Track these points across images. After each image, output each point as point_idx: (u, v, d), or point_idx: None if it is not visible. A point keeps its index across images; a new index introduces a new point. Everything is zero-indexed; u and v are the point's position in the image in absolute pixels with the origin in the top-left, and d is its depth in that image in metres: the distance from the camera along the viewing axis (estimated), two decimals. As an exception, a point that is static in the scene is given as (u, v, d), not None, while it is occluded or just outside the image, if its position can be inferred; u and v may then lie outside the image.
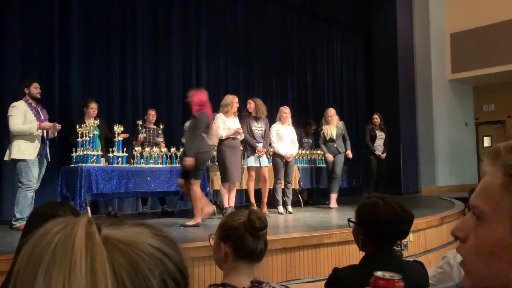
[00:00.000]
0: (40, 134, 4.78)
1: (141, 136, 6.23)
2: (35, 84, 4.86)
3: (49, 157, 4.99)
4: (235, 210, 1.74)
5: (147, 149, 5.75)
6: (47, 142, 4.93)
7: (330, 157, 6.77)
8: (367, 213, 1.71)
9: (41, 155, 4.81)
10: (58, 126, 4.94)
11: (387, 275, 0.80)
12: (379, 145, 7.86)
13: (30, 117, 4.72)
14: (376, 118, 7.92)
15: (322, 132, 6.94)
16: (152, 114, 6.56)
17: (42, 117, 4.88)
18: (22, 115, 4.67)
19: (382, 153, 7.83)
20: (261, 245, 1.55)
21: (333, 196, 6.82)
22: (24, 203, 4.62)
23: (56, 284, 0.41)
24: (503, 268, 0.58)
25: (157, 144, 6.30)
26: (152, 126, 6.54)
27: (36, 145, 4.73)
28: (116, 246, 0.45)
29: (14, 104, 4.72)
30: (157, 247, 0.47)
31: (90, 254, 0.43)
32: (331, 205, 6.75)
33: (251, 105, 6.12)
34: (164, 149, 5.91)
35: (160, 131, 6.53)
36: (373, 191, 7.18)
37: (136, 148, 5.62)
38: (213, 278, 3.03)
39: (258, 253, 1.54)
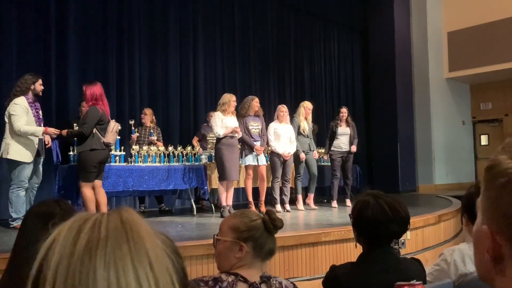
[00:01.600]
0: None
1: (134, 137, 6.18)
2: (40, 81, 4.76)
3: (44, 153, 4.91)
4: (242, 210, 1.75)
5: (145, 147, 5.74)
6: (44, 140, 4.85)
7: (303, 156, 6.44)
8: (357, 211, 1.71)
9: (37, 154, 4.73)
10: (63, 132, 4.82)
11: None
12: (342, 143, 6.86)
13: (31, 116, 4.63)
14: (344, 112, 6.90)
15: (297, 124, 6.52)
16: (146, 113, 6.51)
17: (38, 115, 4.79)
18: (25, 114, 4.56)
19: (351, 149, 6.86)
20: (275, 244, 1.60)
21: (311, 196, 6.66)
22: (17, 202, 4.57)
23: (126, 273, 0.42)
24: (481, 258, 0.62)
25: (153, 143, 6.26)
26: (148, 124, 6.50)
27: (34, 145, 4.65)
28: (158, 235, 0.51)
29: (16, 101, 4.55)
30: (165, 237, 0.51)
31: (149, 241, 0.46)
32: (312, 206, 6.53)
33: (258, 103, 6.11)
34: (162, 148, 5.91)
35: (152, 130, 6.46)
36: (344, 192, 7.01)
37: (134, 147, 5.61)
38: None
39: (273, 251, 1.59)
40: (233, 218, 1.63)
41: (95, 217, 0.46)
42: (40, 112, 4.87)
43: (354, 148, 6.89)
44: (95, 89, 4.62)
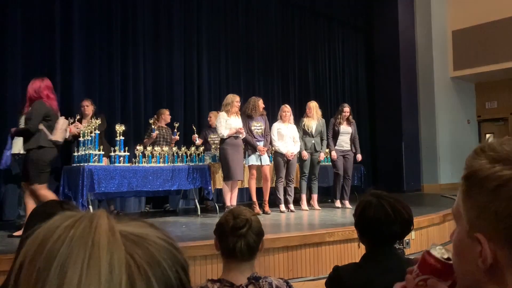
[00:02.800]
0: None
1: (155, 135, 6.19)
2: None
3: None
4: (233, 207, 1.78)
5: (157, 148, 5.75)
6: None
7: (305, 154, 6.39)
8: (359, 212, 1.70)
9: None
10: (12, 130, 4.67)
11: (445, 255, 0.69)
12: (343, 141, 6.72)
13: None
14: (347, 112, 6.72)
15: (302, 124, 6.55)
16: (167, 114, 6.55)
17: None
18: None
19: (355, 153, 6.77)
20: (240, 245, 1.55)
21: (314, 197, 6.60)
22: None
23: (71, 278, 0.41)
24: (469, 268, 0.61)
25: (169, 143, 6.31)
26: (164, 125, 6.53)
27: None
28: (132, 240, 0.45)
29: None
30: (164, 238, 0.48)
31: (110, 250, 0.42)
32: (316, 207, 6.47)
33: (262, 104, 6.11)
34: (166, 148, 5.91)
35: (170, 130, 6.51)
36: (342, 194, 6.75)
37: (138, 148, 5.62)
38: (215, 276, 3.03)
39: (237, 252, 1.55)
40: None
41: (75, 219, 0.45)
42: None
43: (359, 157, 6.82)
44: (39, 84, 4.21)
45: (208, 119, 6.98)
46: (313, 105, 6.63)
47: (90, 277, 0.41)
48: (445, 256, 0.69)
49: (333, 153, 6.65)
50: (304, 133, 6.51)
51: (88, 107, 5.79)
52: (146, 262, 0.44)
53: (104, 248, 0.42)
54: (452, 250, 0.66)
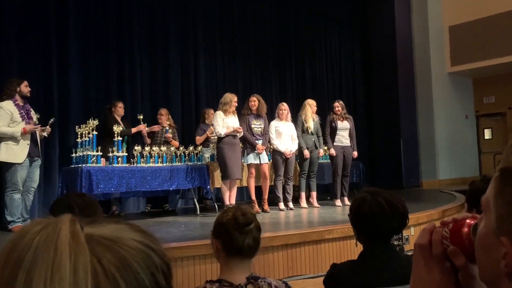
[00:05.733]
0: (29, 135, 4.70)
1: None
2: (25, 83, 4.78)
3: (40, 155, 4.92)
4: (230, 206, 1.78)
5: (155, 148, 5.74)
6: (38, 142, 4.87)
7: (307, 153, 6.39)
8: (355, 209, 1.71)
9: (31, 156, 4.74)
10: (47, 130, 4.88)
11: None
12: (343, 137, 6.66)
13: (17, 118, 4.64)
14: (338, 107, 6.69)
15: (301, 121, 6.53)
16: (162, 113, 6.56)
17: (28, 116, 4.79)
18: (7, 117, 4.57)
19: (352, 149, 6.75)
20: (249, 241, 1.57)
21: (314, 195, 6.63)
22: (12, 205, 4.59)
23: (37, 285, 0.41)
24: (491, 265, 0.58)
25: (168, 141, 6.31)
26: (164, 124, 6.53)
27: (25, 147, 4.65)
28: (101, 243, 0.45)
29: (0, 104, 4.62)
30: (140, 241, 0.47)
31: (73, 254, 0.42)
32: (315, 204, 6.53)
33: (255, 102, 6.08)
34: (164, 148, 5.91)
35: (168, 128, 6.49)
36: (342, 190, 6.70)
37: (136, 148, 5.61)
38: (214, 276, 3.03)
39: (246, 248, 1.56)
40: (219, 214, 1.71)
41: (43, 225, 0.45)
42: (33, 114, 4.87)
43: (355, 154, 6.78)
44: None
45: (205, 116, 7.00)
46: (309, 103, 6.63)
47: (55, 284, 0.40)
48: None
49: (332, 150, 6.60)
50: (304, 131, 6.50)
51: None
52: (115, 265, 0.43)
53: (67, 253, 0.42)
54: (476, 240, 0.62)
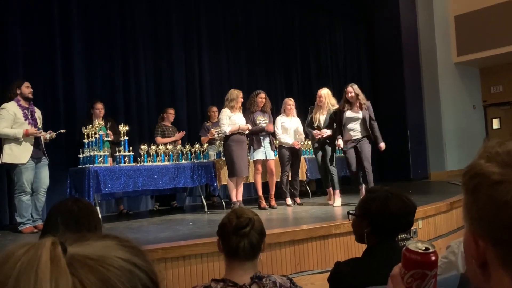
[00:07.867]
0: (33, 137, 4.72)
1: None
2: (26, 84, 4.80)
3: (46, 156, 4.93)
4: (236, 207, 1.81)
5: (161, 147, 5.78)
6: (42, 143, 4.88)
7: (340, 144, 5.64)
8: (378, 207, 1.70)
9: (36, 157, 4.76)
10: (52, 135, 4.90)
11: (422, 246, 0.70)
12: (351, 130, 5.63)
13: (20, 119, 4.67)
14: (350, 92, 5.57)
15: (310, 117, 6.02)
16: (171, 113, 6.63)
17: (33, 118, 4.81)
18: (10, 118, 4.61)
19: (378, 142, 5.73)
20: (244, 244, 1.57)
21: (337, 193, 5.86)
22: (20, 207, 4.64)
23: None
24: (471, 266, 0.61)
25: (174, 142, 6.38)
26: (169, 124, 6.60)
27: (28, 148, 4.67)
28: (85, 264, 0.45)
29: (3, 105, 4.65)
30: (125, 258, 0.47)
31: (54, 280, 0.42)
32: (335, 204, 5.76)
33: (263, 99, 6.06)
34: (170, 146, 5.94)
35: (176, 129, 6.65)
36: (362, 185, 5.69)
37: (143, 147, 5.62)
38: (221, 274, 3.05)
39: (241, 251, 1.57)
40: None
41: (26, 249, 0.45)
42: (37, 115, 4.90)
43: (382, 146, 5.79)
44: None
45: (210, 114, 7.03)
46: (324, 93, 5.90)
47: None
48: (423, 248, 0.70)
49: (339, 141, 5.65)
50: (309, 125, 6.03)
51: (101, 111, 5.87)
52: (98, 287, 0.44)
53: (47, 280, 0.42)
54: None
